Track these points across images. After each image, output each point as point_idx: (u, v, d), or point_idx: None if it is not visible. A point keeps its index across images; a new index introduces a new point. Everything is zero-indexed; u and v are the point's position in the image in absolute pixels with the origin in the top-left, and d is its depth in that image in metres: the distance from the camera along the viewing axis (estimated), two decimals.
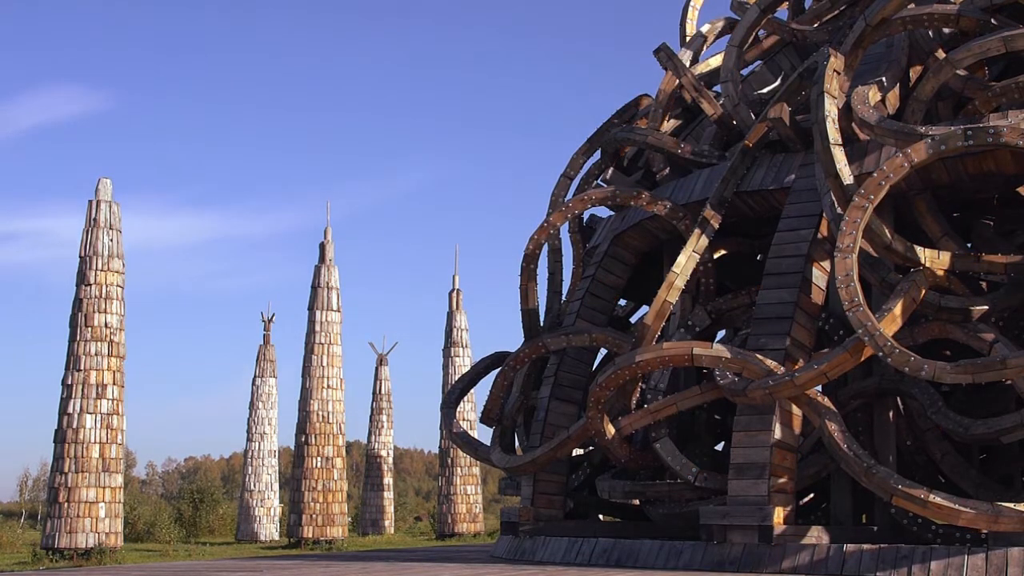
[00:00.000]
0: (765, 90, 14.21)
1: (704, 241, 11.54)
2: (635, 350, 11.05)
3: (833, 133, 10.48)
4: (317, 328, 26.99)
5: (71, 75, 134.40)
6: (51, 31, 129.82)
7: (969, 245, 11.41)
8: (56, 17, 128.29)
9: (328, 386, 26.85)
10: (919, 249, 10.35)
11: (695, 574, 9.72)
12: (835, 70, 10.98)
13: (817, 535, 10.15)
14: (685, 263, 11.41)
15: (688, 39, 15.49)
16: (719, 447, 13.80)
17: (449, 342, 32.33)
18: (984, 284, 11.65)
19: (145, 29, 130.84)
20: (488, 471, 42.17)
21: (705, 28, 15.36)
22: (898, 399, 11.33)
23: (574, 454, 13.57)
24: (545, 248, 13.69)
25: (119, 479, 20.03)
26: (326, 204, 29.07)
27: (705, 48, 15.29)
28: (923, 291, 10.21)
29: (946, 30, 11.67)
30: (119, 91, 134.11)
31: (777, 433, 10.12)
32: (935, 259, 10.33)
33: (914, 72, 11.96)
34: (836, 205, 10.27)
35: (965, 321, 10.46)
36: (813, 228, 11.01)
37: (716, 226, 11.63)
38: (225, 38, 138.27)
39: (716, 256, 12.52)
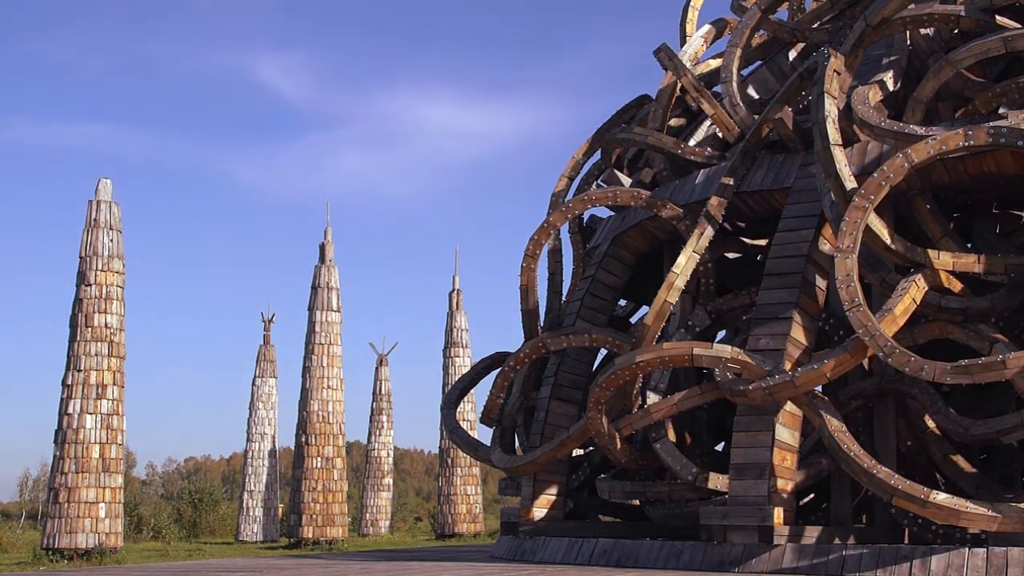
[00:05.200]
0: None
1: (704, 241, 11.54)
2: (635, 350, 11.05)
3: (833, 133, 10.48)
4: (317, 328, 26.95)
5: None
6: None
7: (969, 245, 11.41)
8: None
9: (328, 386, 26.82)
10: (920, 249, 10.34)
11: (695, 574, 9.72)
12: (835, 70, 10.98)
13: (817, 535, 10.15)
14: (685, 263, 11.41)
15: (688, 39, 15.48)
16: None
17: (449, 342, 32.29)
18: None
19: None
20: (488, 471, 42.10)
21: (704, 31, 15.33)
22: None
23: (574, 454, 13.56)
24: (545, 248, 13.69)
25: (119, 479, 19.98)
26: (326, 204, 29.05)
27: (705, 48, 15.26)
28: (923, 291, 10.21)
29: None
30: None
31: (777, 433, 10.12)
32: (936, 259, 10.33)
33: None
34: (836, 205, 10.27)
35: (965, 321, 10.46)
36: (813, 228, 11.01)
37: (719, 223, 11.64)
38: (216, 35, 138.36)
39: (716, 256, 12.52)
